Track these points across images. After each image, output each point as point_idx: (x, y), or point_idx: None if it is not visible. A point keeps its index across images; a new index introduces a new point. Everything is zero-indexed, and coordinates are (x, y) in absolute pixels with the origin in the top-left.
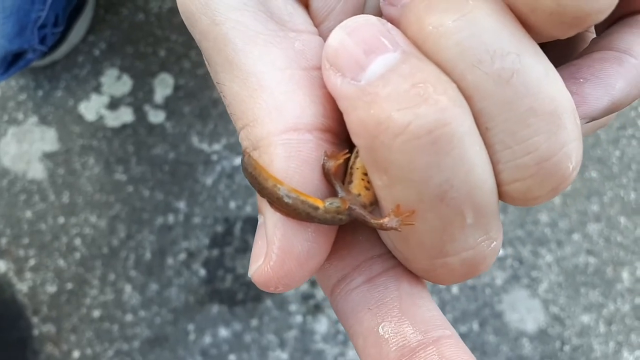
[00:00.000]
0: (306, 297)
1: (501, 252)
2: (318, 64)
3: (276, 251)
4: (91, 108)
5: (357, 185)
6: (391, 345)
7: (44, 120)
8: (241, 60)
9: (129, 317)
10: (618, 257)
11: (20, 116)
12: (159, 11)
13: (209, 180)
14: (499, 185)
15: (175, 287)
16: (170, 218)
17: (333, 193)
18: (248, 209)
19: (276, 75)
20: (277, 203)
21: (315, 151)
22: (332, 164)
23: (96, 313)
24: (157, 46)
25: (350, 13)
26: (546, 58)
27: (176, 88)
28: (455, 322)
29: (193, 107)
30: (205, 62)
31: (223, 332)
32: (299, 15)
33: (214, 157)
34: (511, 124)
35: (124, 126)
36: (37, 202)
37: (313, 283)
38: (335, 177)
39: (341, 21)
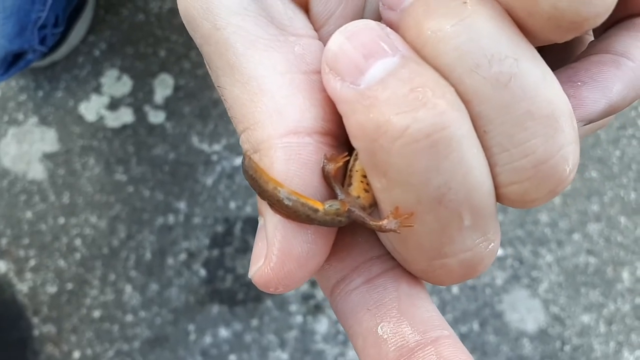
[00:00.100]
0: (306, 298)
1: (501, 252)
2: (318, 68)
3: (276, 252)
4: (91, 108)
5: (356, 187)
6: (390, 346)
7: (44, 121)
8: (242, 64)
9: (129, 318)
10: (618, 257)
11: (21, 117)
12: (159, 12)
13: (209, 181)
14: (496, 187)
15: (176, 288)
16: (171, 218)
17: (333, 195)
18: (248, 209)
19: (277, 79)
20: (278, 205)
21: (315, 154)
22: (331, 167)
23: (96, 313)
24: (157, 47)
25: (349, 17)
26: (543, 62)
27: (176, 88)
28: (455, 322)
29: (193, 107)
30: (207, 65)
31: (223, 332)
32: (299, 20)
33: (214, 158)
34: (509, 127)
35: (124, 126)
36: (37, 202)
37: (313, 283)
38: (335, 180)
39: (341, 25)
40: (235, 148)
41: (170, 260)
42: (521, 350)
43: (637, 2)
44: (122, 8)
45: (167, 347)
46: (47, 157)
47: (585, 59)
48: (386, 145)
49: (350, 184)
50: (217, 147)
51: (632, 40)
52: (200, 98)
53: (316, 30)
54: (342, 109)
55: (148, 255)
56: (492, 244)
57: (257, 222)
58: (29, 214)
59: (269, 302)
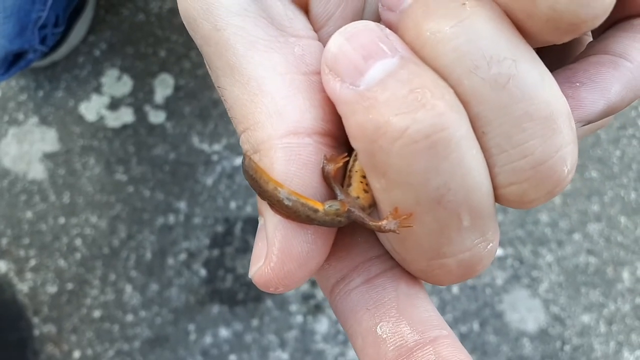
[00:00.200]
0: (307, 297)
1: (501, 252)
2: (318, 69)
3: (276, 252)
4: (92, 108)
5: (355, 188)
6: (389, 345)
7: (44, 121)
8: (242, 65)
9: (129, 318)
10: (618, 257)
11: (21, 117)
12: (159, 12)
13: (209, 181)
14: (495, 188)
15: (176, 287)
16: (171, 218)
17: (332, 196)
18: (248, 209)
19: (276, 80)
20: (278, 205)
21: (315, 155)
22: (331, 167)
23: (97, 313)
24: (158, 46)
25: (349, 18)
26: (542, 63)
27: (176, 88)
28: (455, 322)
29: (193, 107)
30: (207, 66)
31: (224, 332)
32: (299, 21)
33: (215, 158)
34: (507, 128)
35: (125, 126)
36: (37, 202)
37: (313, 283)
38: (335, 180)
39: (340, 26)
40: (235, 148)
41: (170, 260)
42: (521, 350)
43: (636, 3)
44: (123, 8)
45: (167, 347)
46: (48, 157)
47: (583, 59)
48: (385, 146)
49: (349, 185)
50: (217, 147)
51: (630, 41)
52: (201, 98)
53: (316, 31)
54: (341, 109)
55: (148, 255)
56: (491, 244)
57: (257, 222)
58: (29, 214)
59: (269, 302)
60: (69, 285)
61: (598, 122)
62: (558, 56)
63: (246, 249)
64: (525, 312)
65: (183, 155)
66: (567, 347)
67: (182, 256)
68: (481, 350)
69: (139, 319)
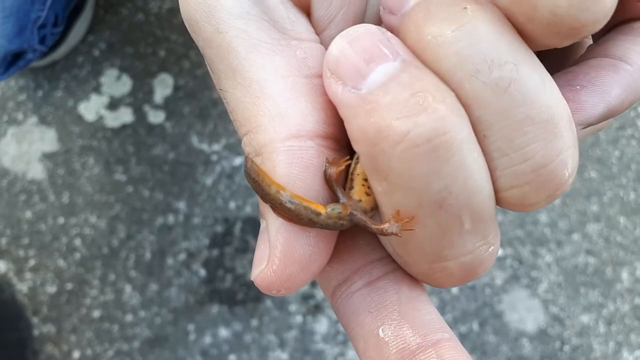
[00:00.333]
0: (306, 298)
1: (501, 252)
2: (319, 72)
3: (279, 255)
4: (91, 108)
5: (357, 191)
6: (391, 348)
7: (43, 121)
8: (244, 68)
9: (129, 318)
10: (618, 257)
11: (20, 116)
12: (158, 11)
13: (208, 181)
14: (496, 191)
15: (175, 287)
16: (170, 218)
17: (334, 199)
18: (248, 209)
19: (278, 82)
20: (280, 208)
21: (317, 158)
22: (333, 170)
23: (96, 313)
24: (157, 46)
25: (351, 21)
26: (543, 67)
27: (176, 88)
28: (455, 322)
29: (193, 107)
30: (208, 68)
31: (223, 332)
32: (301, 24)
33: (214, 158)
34: (508, 131)
35: (124, 126)
36: (37, 202)
37: (313, 283)
38: (337, 183)
39: (342, 29)
40: (234, 148)
41: (169, 260)
42: (521, 350)
43: (635, 6)
44: (122, 8)
45: (166, 347)
46: (47, 156)
47: (584, 62)
48: (387, 150)
49: (351, 188)
50: (216, 147)
51: (630, 44)
52: (200, 98)
53: (318, 34)
54: (343, 113)
55: (148, 255)
56: (492, 247)
57: (256, 222)
58: (28, 214)
59: (268, 302)
60: (69, 285)
61: (598, 125)
62: (558, 59)
63: (246, 249)
64: (524, 312)
65: (182, 155)
66: (566, 347)
67: (182, 256)
68: (480, 350)
69: (139, 319)
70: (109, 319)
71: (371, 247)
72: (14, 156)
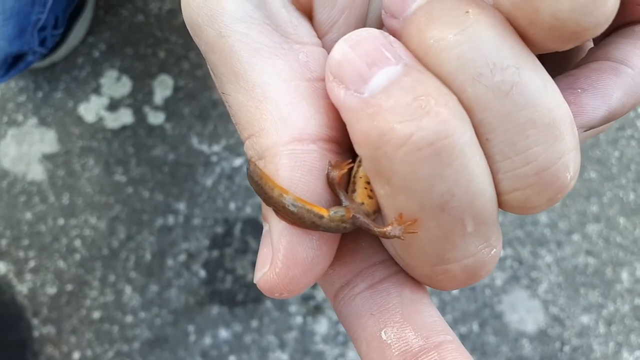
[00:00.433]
0: (306, 298)
1: (501, 253)
2: (322, 76)
3: (281, 258)
4: (91, 109)
5: (360, 194)
6: (394, 350)
7: (43, 122)
8: (247, 71)
9: (129, 319)
10: (617, 258)
11: (20, 118)
12: (158, 12)
13: (208, 182)
14: (498, 194)
15: (175, 288)
16: (170, 219)
17: (337, 202)
18: (248, 210)
19: (281, 86)
20: (283, 212)
21: (320, 161)
22: (336, 174)
23: (96, 314)
24: (157, 47)
25: (353, 25)
26: (544, 70)
27: (176, 89)
28: (455, 323)
29: (193, 108)
30: (211, 72)
31: (223, 333)
32: (303, 28)
33: (214, 159)
34: (510, 135)
35: (124, 127)
36: (37, 203)
37: (313, 284)
38: (339, 186)
39: (344, 33)
40: (234, 149)
41: (170, 261)
42: (521, 350)
43: (636, 9)
44: (122, 9)
45: (166, 348)
46: (47, 158)
47: (585, 66)
48: (390, 153)
49: (354, 191)
50: (216, 148)
51: (631, 47)
52: (200, 99)
53: (320, 37)
54: (346, 116)
55: (148, 256)
56: (494, 249)
57: (257, 223)
58: (28, 215)
59: (268, 303)
60: (69, 287)
61: (599, 127)
62: (560, 62)
63: (246, 250)
64: (524, 312)
65: (182, 156)
66: (566, 348)
67: (182, 257)
68: (481, 350)
69: (139, 320)
70: (109, 320)
71: (373, 250)
72: (14, 157)
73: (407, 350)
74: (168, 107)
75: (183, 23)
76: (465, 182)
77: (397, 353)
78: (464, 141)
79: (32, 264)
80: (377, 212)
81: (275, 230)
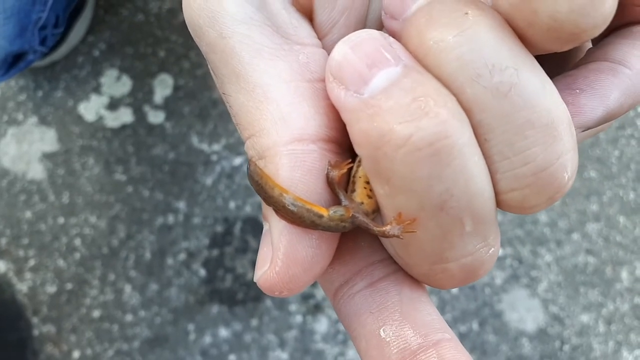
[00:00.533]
0: (306, 297)
1: (500, 252)
2: (322, 76)
3: (281, 257)
4: (91, 108)
5: (359, 193)
6: (392, 348)
7: (43, 121)
8: (248, 72)
9: (129, 317)
10: (617, 257)
11: (20, 117)
12: (158, 12)
13: (208, 181)
14: (496, 194)
15: (175, 287)
16: (170, 218)
17: (337, 201)
18: (248, 209)
19: (282, 87)
20: (283, 211)
21: (320, 161)
22: (335, 173)
23: (96, 313)
24: (157, 47)
25: (353, 26)
26: (543, 72)
27: (176, 88)
28: (455, 322)
29: (193, 107)
30: (212, 73)
31: (223, 332)
32: (304, 29)
33: (214, 157)
34: (509, 135)
35: (124, 126)
36: (36, 202)
37: (313, 283)
38: (339, 186)
39: (344, 34)
40: (234, 148)
41: (169, 260)
42: (520, 349)
43: (634, 10)
44: (122, 8)
45: (166, 347)
46: (47, 157)
47: (583, 66)
48: (389, 154)
49: (353, 190)
50: (216, 147)
51: (629, 48)
52: (200, 98)
53: (320, 38)
54: (346, 117)
55: (148, 255)
56: (493, 248)
57: (256, 222)
58: (28, 214)
59: (268, 302)
60: (68, 285)
61: (597, 127)
62: (558, 62)
63: (245, 248)
64: (524, 311)
65: (182, 155)
66: (566, 347)
67: (182, 256)
68: (480, 349)
69: (139, 318)
70: (109, 319)
71: (373, 249)
72: (14, 156)
73: (406, 348)
74: (168, 106)
75: (183, 22)
76: (464, 182)
77: (395, 351)
78: (463, 141)
79: (32, 262)
80: (376, 212)
81: (275, 230)
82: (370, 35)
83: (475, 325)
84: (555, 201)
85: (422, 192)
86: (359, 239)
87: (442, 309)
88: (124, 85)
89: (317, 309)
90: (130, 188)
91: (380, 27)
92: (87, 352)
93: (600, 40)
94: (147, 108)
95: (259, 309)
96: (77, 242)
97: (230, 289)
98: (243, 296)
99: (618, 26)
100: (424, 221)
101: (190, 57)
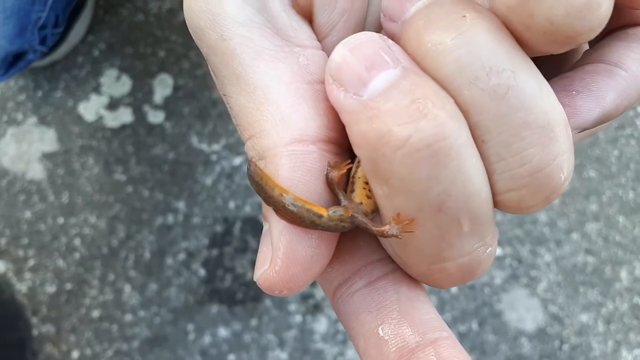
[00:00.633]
0: (305, 297)
1: (500, 252)
2: (322, 78)
3: (281, 257)
4: (90, 108)
5: (359, 194)
6: (391, 346)
7: (43, 121)
8: (248, 74)
9: (128, 317)
10: (617, 257)
11: (20, 116)
12: (158, 12)
13: (208, 181)
14: (494, 194)
15: (175, 287)
16: (170, 218)
17: (336, 202)
18: (247, 209)
19: (282, 88)
20: (283, 211)
21: (319, 162)
22: (335, 174)
23: (95, 313)
24: (157, 47)
25: (352, 28)
26: (540, 74)
27: (175, 88)
28: (454, 322)
29: (192, 107)
30: (212, 74)
31: (222, 332)
32: (304, 31)
33: (214, 157)
34: (506, 137)
35: (124, 126)
36: (36, 202)
37: (313, 283)
38: (338, 187)
39: (344, 36)
40: (234, 148)
41: (169, 260)
42: (520, 349)
43: (630, 13)
44: (122, 8)
45: (166, 347)
46: (46, 156)
47: (579, 68)
48: (388, 155)
49: (352, 191)
50: (216, 147)
51: (625, 50)
52: (200, 98)
53: (320, 40)
54: (345, 118)
55: (147, 255)
56: (490, 248)
57: (256, 222)
58: (28, 214)
59: (268, 302)
60: (68, 285)
61: (593, 128)
62: (555, 64)
63: (245, 248)
64: (523, 311)
65: (182, 155)
66: (565, 347)
67: (181, 256)
68: (480, 349)
69: (138, 318)
70: (108, 319)
71: (371, 249)
72: (14, 156)
73: (404, 347)
74: (168, 106)
75: (183, 22)
76: (462, 182)
77: (394, 349)
78: (461, 143)
79: (31, 262)
80: (375, 212)
81: (275, 229)
82: (369, 37)
83: (474, 325)
84: (551, 201)
85: (421, 193)
86: (357, 238)
87: (441, 308)
88: (124, 85)
89: (316, 308)
90: (130, 188)
91: (379, 29)
92: (87, 352)
93: (597, 42)
94: (146, 108)
95: (258, 308)
96: (77, 242)
97: (230, 288)
98: (242, 296)
99: (614, 28)
100: (422, 221)
101: (190, 57)
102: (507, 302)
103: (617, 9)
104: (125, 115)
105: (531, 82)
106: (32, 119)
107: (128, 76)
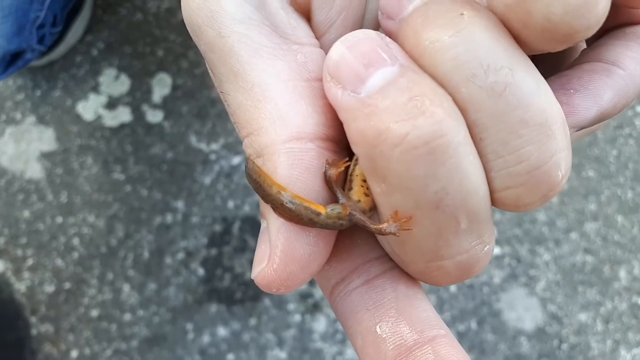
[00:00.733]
0: (304, 296)
1: (499, 251)
2: (319, 76)
3: (279, 254)
4: (89, 108)
5: (356, 191)
6: (388, 344)
7: (41, 120)
8: (246, 71)
9: (127, 317)
10: (615, 256)
11: (18, 116)
12: (157, 11)
13: (207, 180)
14: (491, 192)
15: (174, 287)
16: (169, 217)
17: (334, 199)
18: (246, 209)
19: (280, 86)
20: (281, 209)
21: (317, 159)
22: (333, 172)
23: (94, 312)
24: (155, 46)
25: (350, 26)
26: (537, 71)
27: (174, 88)
28: (453, 321)
29: (191, 106)
30: (210, 72)
31: (221, 332)
32: (302, 29)
33: (212, 157)
34: (504, 134)
35: (122, 126)
36: (35, 201)
37: (312, 282)
38: (336, 184)
39: (342, 34)
40: (233, 147)
41: (168, 260)
42: (519, 348)
43: (627, 12)
44: (120, 7)
45: (165, 346)
46: (45, 156)
47: (577, 67)
48: (386, 152)
49: (350, 188)
50: (215, 146)
51: (622, 49)
52: (198, 97)
53: (318, 38)
54: (343, 116)
55: (146, 255)
56: (487, 246)
57: (255, 221)
58: (26, 213)
59: (267, 301)
60: (67, 285)
61: (591, 127)
62: (553, 63)
63: (244, 248)
64: (522, 310)
65: (181, 155)
66: (564, 346)
67: (180, 255)
68: (479, 348)
69: (137, 318)
70: (107, 318)
71: (369, 246)
72: (12, 155)
73: (402, 344)
74: (166, 105)
75: (181, 21)
76: (459, 180)
77: (391, 347)
78: (458, 140)
79: (30, 262)
80: (373, 210)
81: (273, 227)
82: (367, 35)
83: (473, 324)
84: (549, 199)
85: (418, 190)
86: (355, 236)
87: (440, 307)
88: (123, 85)
89: (315, 308)
90: (129, 187)
91: (377, 27)
92: (86, 351)
93: (594, 41)
94: (145, 107)
95: (257, 308)
96: (76, 241)
97: (229, 288)
98: (241, 295)
99: (611, 27)
100: (419, 219)
101: (189, 56)
102: (506, 301)
103: (615, 8)
104: (123, 115)
105: (529, 79)
106: (31, 119)
107: (126, 75)
